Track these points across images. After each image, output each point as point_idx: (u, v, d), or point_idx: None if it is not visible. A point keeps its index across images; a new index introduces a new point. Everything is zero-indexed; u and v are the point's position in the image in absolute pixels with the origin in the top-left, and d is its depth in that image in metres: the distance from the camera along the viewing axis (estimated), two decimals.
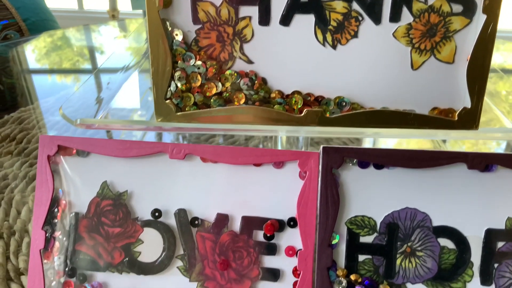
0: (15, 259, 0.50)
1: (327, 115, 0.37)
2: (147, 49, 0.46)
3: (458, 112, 0.36)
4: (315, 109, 0.37)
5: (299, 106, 0.38)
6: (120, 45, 0.96)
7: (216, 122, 0.37)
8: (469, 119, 0.34)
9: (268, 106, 0.38)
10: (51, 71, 1.12)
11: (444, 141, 0.64)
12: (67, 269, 0.39)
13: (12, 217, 0.56)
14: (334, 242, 0.38)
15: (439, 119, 0.34)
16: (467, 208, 0.37)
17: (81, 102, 0.43)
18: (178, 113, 0.36)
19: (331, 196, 0.37)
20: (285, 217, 0.39)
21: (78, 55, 1.21)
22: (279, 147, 0.54)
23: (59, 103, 0.84)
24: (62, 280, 0.39)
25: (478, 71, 0.35)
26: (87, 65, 1.14)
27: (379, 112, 0.36)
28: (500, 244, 0.37)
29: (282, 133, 0.41)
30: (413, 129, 0.34)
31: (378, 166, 0.37)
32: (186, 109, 0.38)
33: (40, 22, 1.48)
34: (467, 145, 0.68)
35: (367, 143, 0.72)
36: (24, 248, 0.51)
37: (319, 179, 0.37)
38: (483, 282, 0.38)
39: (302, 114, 0.36)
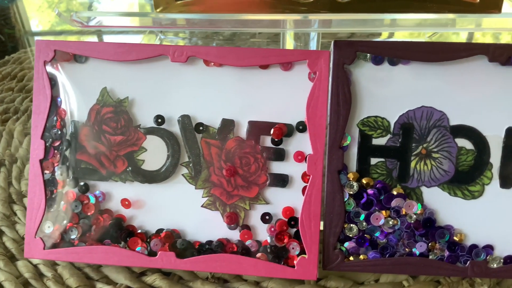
0: (17, 183, 0.49)
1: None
2: None
3: None
4: None
5: None
6: None
7: (219, 11, 0.34)
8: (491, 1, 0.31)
9: None
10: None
11: None
12: (68, 179, 0.38)
13: (14, 147, 0.55)
14: (345, 144, 0.36)
15: (460, 1, 0.31)
16: (487, 105, 0.35)
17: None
18: (178, 1, 0.33)
19: (343, 94, 0.35)
20: (293, 122, 0.37)
21: None
22: None
23: None
24: (63, 190, 0.38)
25: None
26: None
27: None
28: None
29: (290, 29, 0.38)
30: (432, 15, 0.32)
31: (393, 62, 0.35)
32: None
33: None
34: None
35: None
36: (26, 173, 0.50)
37: (330, 77, 0.35)
38: (502, 184, 0.36)
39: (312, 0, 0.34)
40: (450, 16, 0.34)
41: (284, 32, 0.53)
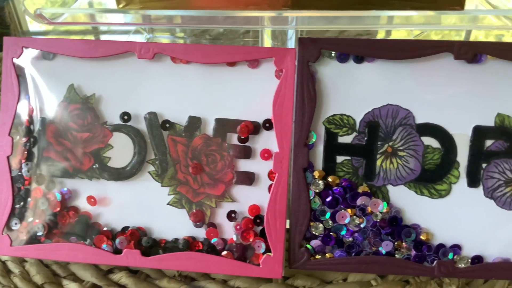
0: None
1: None
2: None
3: None
4: None
5: None
6: None
7: (189, 7, 0.34)
8: None
9: None
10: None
11: None
12: (35, 176, 0.38)
13: None
14: (310, 141, 0.35)
15: None
16: (453, 104, 0.35)
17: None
18: None
19: (308, 92, 0.35)
20: (260, 119, 0.36)
21: None
22: None
23: None
24: (31, 187, 0.38)
25: None
26: None
27: None
28: (488, 143, 0.35)
29: (267, 26, 0.38)
30: (395, 11, 0.31)
31: (358, 60, 0.35)
32: None
33: None
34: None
35: None
36: None
37: (296, 74, 0.35)
38: (470, 183, 0.35)
39: None
40: (430, 13, 0.34)
41: (262, 30, 0.53)
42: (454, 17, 0.33)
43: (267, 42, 0.52)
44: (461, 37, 0.64)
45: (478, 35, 0.68)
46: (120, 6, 0.34)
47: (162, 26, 0.51)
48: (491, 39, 0.69)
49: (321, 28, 0.58)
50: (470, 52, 0.33)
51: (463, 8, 0.32)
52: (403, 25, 0.35)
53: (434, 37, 0.67)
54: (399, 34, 0.67)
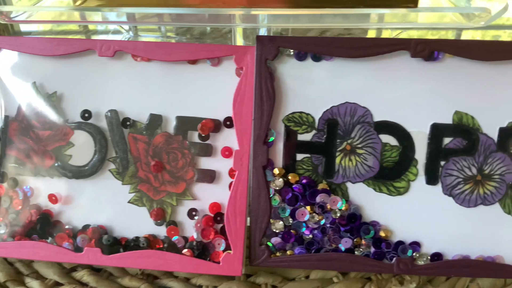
0: None
1: None
2: None
3: None
4: None
5: None
6: None
7: (150, 4, 0.34)
8: None
9: None
10: None
11: None
12: None
13: None
14: (270, 139, 0.36)
15: None
16: (411, 101, 0.35)
17: None
18: None
19: (266, 90, 0.35)
20: (221, 117, 0.37)
21: None
22: None
23: None
24: None
25: None
26: None
27: None
28: (447, 140, 0.35)
29: (238, 24, 0.38)
30: (350, 9, 0.32)
31: (316, 58, 0.35)
32: None
33: None
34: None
35: None
36: None
37: (254, 73, 0.35)
38: (428, 181, 0.36)
39: None
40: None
41: (234, 29, 0.53)
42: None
43: (239, 41, 0.52)
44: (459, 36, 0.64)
45: (475, 35, 0.68)
46: (77, 4, 0.34)
47: (114, 23, 0.50)
48: (488, 38, 0.68)
49: (294, 26, 0.58)
50: (427, 49, 0.33)
51: (417, 6, 0.32)
52: (360, 23, 0.35)
53: (431, 36, 0.67)
54: (373, 33, 0.67)
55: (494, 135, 0.35)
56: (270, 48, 0.34)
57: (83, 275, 0.38)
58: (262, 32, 0.49)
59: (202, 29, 0.85)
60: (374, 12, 0.31)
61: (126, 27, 0.65)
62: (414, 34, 0.64)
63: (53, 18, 0.39)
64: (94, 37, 0.86)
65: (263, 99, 0.35)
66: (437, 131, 0.35)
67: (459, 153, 0.35)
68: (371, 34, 0.74)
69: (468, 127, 0.35)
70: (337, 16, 0.35)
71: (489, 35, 0.68)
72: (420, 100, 0.35)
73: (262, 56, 0.34)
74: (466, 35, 0.66)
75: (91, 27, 0.73)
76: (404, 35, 0.63)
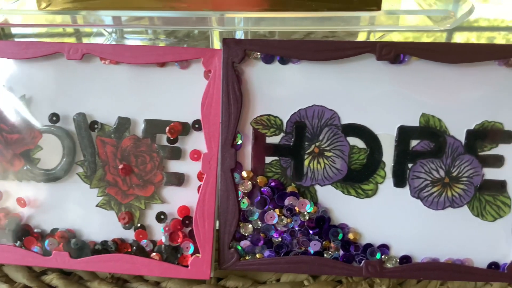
0: None
1: None
2: None
3: None
4: None
5: None
6: None
7: (114, 7, 0.34)
8: None
9: None
10: None
11: None
12: None
13: None
14: (238, 142, 0.35)
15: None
16: (377, 104, 0.35)
17: None
18: None
19: (233, 92, 0.35)
20: (190, 120, 0.36)
21: None
22: None
23: None
24: None
25: None
26: None
27: None
28: (414, 143, 0.35)
29: (215, 27, 0.38)
30: (310, 12, 0.31)
31: (283, 61, 0.35)
32: None
33: None
34: None
35: None
36: None
37: (221, 76, 0.35)
38: (396, 183, 0.36)
39: None
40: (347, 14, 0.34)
41: (211, 32, 0.53)
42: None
43: (216, 44, 0.52)
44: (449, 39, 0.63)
45: (470, 37, 0.67)
46: (41, 7, 0.33)
47: (87, 26, 0.50)
48: (483, 41, 0.68)
49: (270, 29, 0.58)
50: (392, 52, 0.33)
51: (380, 9, 0.32)
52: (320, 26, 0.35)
53: (426, 39, 0.66)
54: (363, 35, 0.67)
55: (462, 138, 0.35)
56: (237, 51, 0.34)
57: (52, 279, 0.38)
58: (239, 36, 0.49)
59: (188, 31, 0.85)
60: (336, 15, 0.31)
61: (109, 29, 0.64)
62: (409, 36, 0.63)
63: (24, 22, 0.39)
64: (85, 39, 0.86)
65: (230, 102, 0.35)
66: (404, 133, 0.35)
67: (426, 155, 0.35)
68: (362, 36, 0.74)
69: (435, 130, 0.35)
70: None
71: (484, 37, 0.68)
72: (387, 103, 0.35)
73: (228, 59, 0.34)
74: (459, 38, 0.66)
75: (84, 30, 0.73)
76: (393, 37, 0.63)
